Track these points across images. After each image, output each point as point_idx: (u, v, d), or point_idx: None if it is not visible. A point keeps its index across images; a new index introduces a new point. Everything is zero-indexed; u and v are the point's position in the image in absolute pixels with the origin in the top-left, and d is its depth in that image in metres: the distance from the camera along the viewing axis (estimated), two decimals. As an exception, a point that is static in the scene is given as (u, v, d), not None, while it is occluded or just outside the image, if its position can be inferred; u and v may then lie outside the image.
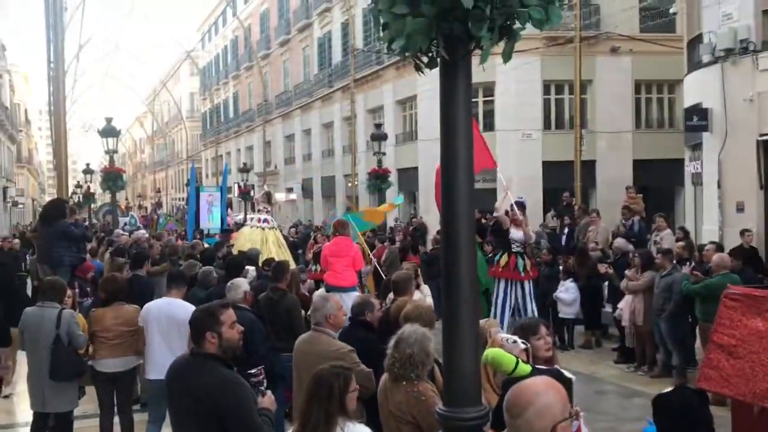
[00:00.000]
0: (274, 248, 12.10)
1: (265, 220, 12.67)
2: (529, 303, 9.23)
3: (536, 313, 9.25)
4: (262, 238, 12.10)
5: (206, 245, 13.76)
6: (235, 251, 11.08)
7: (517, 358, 3.55)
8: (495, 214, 9.57)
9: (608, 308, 11.40)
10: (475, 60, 3.00)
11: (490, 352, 3.61)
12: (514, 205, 9.63)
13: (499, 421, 3.38)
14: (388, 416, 4.14)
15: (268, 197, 13.74)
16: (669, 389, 3.18)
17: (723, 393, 5.57)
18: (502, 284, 9.30)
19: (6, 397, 8.98)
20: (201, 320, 3.69)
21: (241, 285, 6.40)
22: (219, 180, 43.43)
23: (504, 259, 9.26)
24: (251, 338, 5.67)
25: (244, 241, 11.99)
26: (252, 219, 13.20)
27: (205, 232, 19.28)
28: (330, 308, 5.16)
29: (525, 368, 3.50)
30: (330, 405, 3.38)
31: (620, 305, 10.09)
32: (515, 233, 9.26)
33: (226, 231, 17.70)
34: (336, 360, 4.63)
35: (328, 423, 3.36)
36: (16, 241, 14.11)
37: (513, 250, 9.26)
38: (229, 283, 6.42)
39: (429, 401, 3.97)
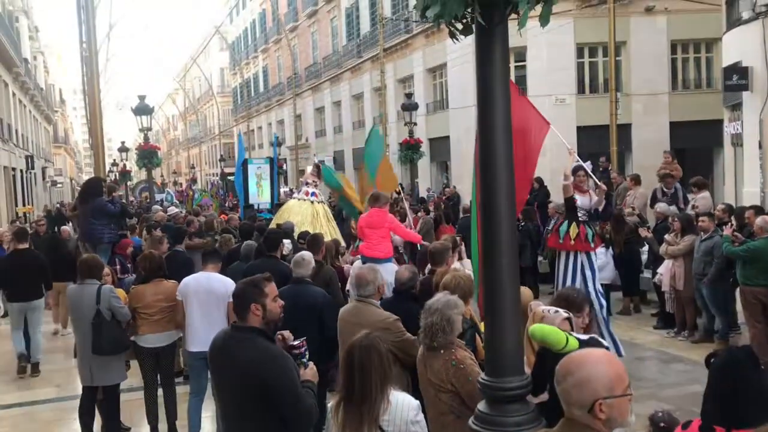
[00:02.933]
0: (325, 222, 11.94)
1: (314, 194, 12.30)
2: (596, 274, 8.36)
3: (599, 288, 8.40)
4: (312, 212, 11.86)
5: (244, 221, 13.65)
6: (279, 222, 10.92)
7: (566, 334, 3.50)
8: (564, 182, 8.35)
9: (647, 274, 11.26)
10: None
11: (537, 330, 3.53)
12: (583, 168, 8.58)
13: (535, 386, 3.38)
14: (428, 385, 4.17)
15: (318, 170, 13.34)
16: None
17: None
18: (570, 257, 8.34)
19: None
20: (246, 292, 3.70)
21: (311, 261, 6.23)
22: (252, 153, 43.63)
23: (574, 230, 8.31)
24: (327, 315, 5.67)
25: (292, 214, 11.65)
26: (299, 192, 12.88)
27: (255, 206, 18.18)
28: (381, 279, 5.23)
29: (574, 343, 3.46)
30: (383, 370, 3.40)
31: (660, 270, 9.96)
32: (582, 200, 8.36)
33: (279, 205, 17.23)
34: (383, 330, 4.63)
35: (384, 389, 3.38)
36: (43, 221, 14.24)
37: (580, 219, 8.34)
38: (298, 257, 6.24)
39: (468, 369, 3.99)
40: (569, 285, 8.12)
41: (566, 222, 8.47)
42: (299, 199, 12.32)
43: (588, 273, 8.27)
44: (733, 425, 2.69)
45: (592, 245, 8.40)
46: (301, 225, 10.83)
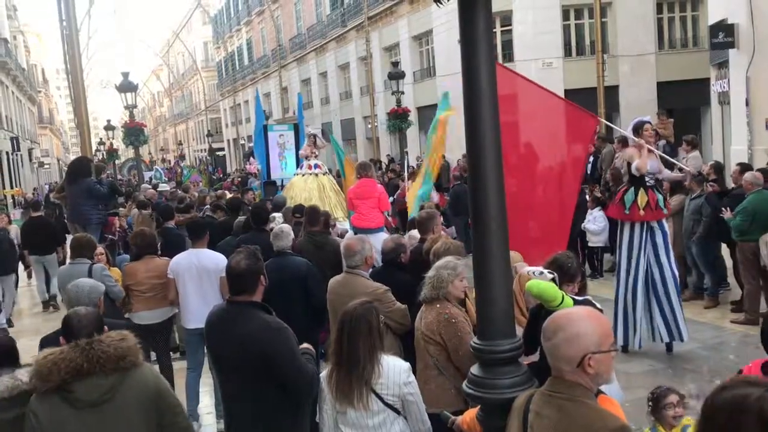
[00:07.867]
0: (333, 195, 11.62)
1: (317, 166, 11.93)
2: (669, 246, 7.35)
3: (674, 264, 7.41)
4: (318, 185, 11.55)
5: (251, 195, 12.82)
6: (292, 202, 10.41)
7: (562, 292, 3.53)
8: (639, 164, 7.14)
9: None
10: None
11: (534, 285, 3.58)
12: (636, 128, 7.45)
13: (526, 345, 3.43)
14: (420, 338, 4.29)
15: (314, 140, 12.57)
16: None
17: None
18: (637, 229, 7.35)
19: None
20: (256, 266, 3.73)
21: (290, 233, 6.27)
22: (240, 129, 43.10)
23: (642, 198, 7.21)
24: (312, 284, 5.73)
25: (299, 190, 11.39)
26: (302, 166, 12.43)
27: (279, 183, 14.97)
28: (368, 250, 5.22)
29: (569, 302, 3.50)
30: (372, 339, 3.50)
31: (649, 231, 10.00)
32: (651, 163, 7.27)
33: None
34: (374, 300, 4.68)
35: (372, 357, 3.47)
36: (3, 216, 13.90)
37: (648, 184, 7.27)
38: (277, 229, 6.26)
39: (459, 324, 4.13)
40: (635, 262, 7.39)
41: (631, 189, 7.36)
42: (303, 174, 12.00)
43: (660, 241, 7.34)
44: None
45: (665, 211, 7.53)
46: (308, 200, 10.54)
